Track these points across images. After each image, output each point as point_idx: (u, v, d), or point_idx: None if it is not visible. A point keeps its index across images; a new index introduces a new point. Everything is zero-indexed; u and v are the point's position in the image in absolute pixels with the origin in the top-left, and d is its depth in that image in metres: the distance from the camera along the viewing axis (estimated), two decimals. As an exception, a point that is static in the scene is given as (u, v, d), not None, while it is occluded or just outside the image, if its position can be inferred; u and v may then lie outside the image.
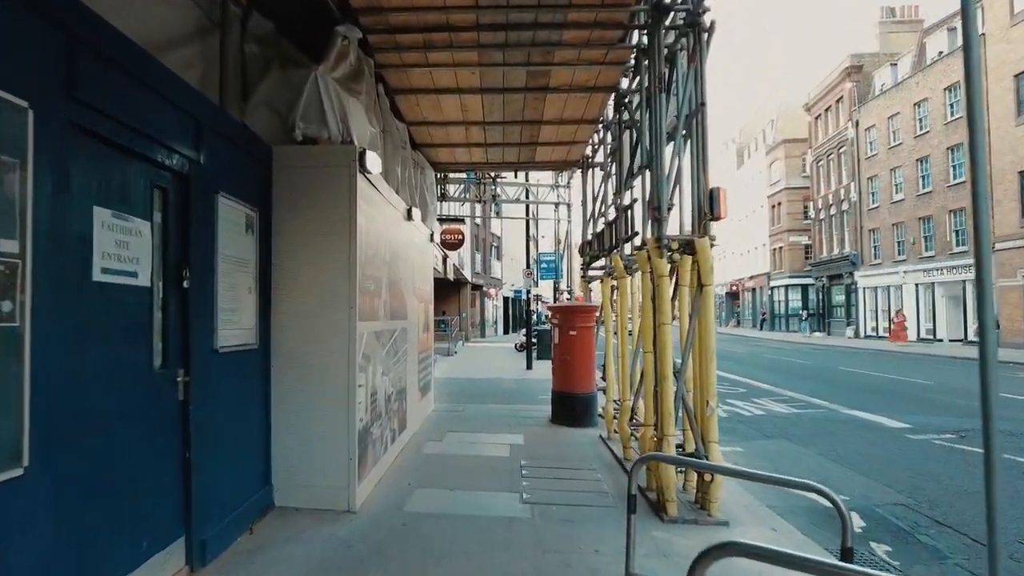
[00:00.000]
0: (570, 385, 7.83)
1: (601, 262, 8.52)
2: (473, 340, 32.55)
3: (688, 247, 4.47)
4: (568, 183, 14.32)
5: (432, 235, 9.01)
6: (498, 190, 13.95)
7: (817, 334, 36.26)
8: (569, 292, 14.26)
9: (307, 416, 4.33)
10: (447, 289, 30.96)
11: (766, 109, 49.93)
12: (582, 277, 8.88)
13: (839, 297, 36.26)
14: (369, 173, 4.64)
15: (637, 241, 5.20)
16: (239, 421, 3.89)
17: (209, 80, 3.93)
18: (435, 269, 16.63)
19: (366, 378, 4.71)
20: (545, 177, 14.58)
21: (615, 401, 7.21)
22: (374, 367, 5.00)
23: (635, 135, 6.33)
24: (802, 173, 42.11)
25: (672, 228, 4.60)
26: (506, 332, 44.67)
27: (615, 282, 7.45)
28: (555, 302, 16.55)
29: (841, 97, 34.29)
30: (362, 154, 4.42)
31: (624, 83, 6.34)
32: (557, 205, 14.49)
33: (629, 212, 5.87)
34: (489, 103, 6.75)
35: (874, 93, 32.08)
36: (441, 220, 14.60)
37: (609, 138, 7.61)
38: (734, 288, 54.73)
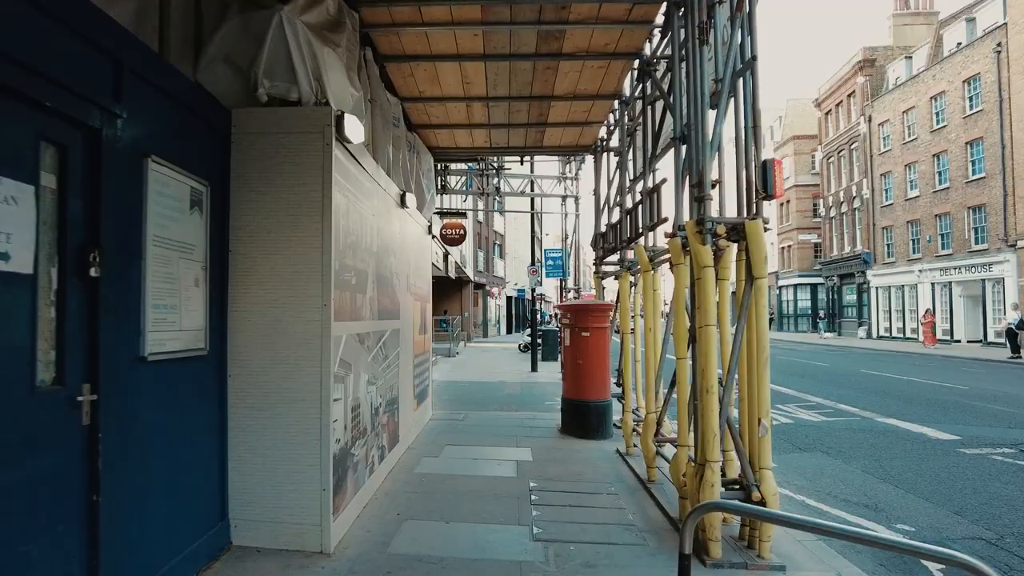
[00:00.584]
0: (583, 392, 7.04)
1: (615, 257, 7.74)
2: (475, 340, 31.78)
3: (736, 232, 3.67)
4: (576, 174, 13.52)
5: (430, 226, 8.23)
6: (501, 182, 13.15)
7: (828, 334, 35.38)
8: (577, 291, 13.45)
9: (271, 437, 3.55)
10: (448, 288, 30.20)
11: (774, 104, 49.02)
12: (595, 273, 8.09)
13: (850, 297, 35.38)
14: (349, 143, 3.85)
15: (667, 227, 4.40)
16: (181, 445, 3.10)
17: (145, 23, 3.15)
18: (435, 266, 15.84)
19: (345, 389, 3.92)
20: (551, 168, 13.80)
21: (635, 412, 6.41)
22: (357, 376, 4.21)
23: (661, 109, 5.53)
24: (811, 170, 41.23)
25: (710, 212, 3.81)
26: (509, 332, 43.89)
27: (633, 277, 6.65)
28: (562, 301, 15.78)
29: (853, 91, 33.40)
30: (339, 118, 3.64)
31: (648, 49, 5.54)
32: (564, 198, 13.68)
33: (655, 196, 5.07)
34: (494, 74, 5.95)
35: (888, 87, 31.18)
36: (441, 214, 13.82)
37: (626, 119, 6.81)
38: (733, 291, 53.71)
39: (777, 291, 44.72)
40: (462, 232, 13.48)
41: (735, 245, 3.77)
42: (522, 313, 50.66)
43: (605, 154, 8.23)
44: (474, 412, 8.82)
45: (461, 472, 5.46)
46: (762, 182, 3.63)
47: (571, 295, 13.76)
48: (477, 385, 12.43)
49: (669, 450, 5.17)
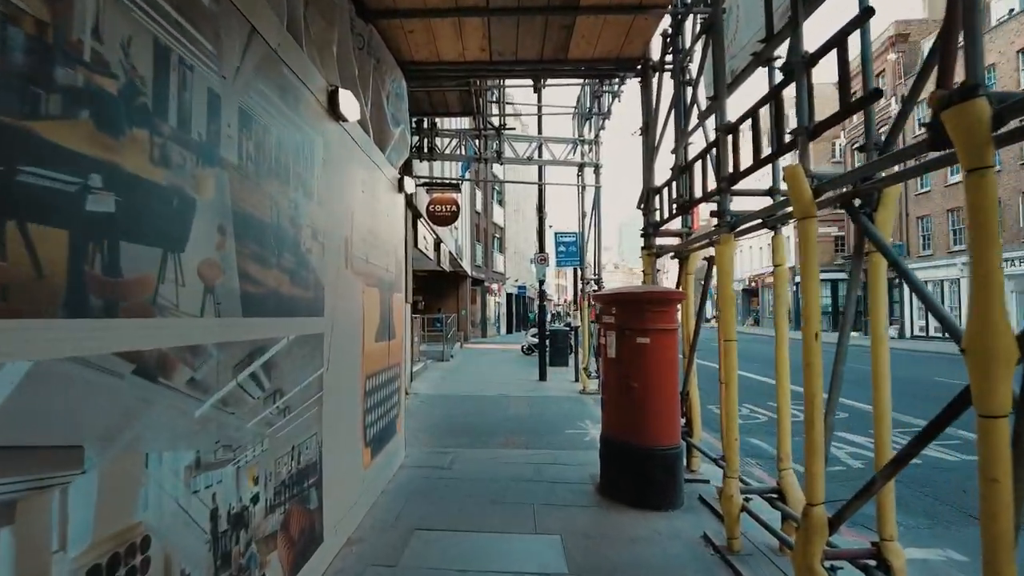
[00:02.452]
0: (640, 432, 4.38)
1: (676, 225, 5.14)
2: (473, 341, 29.13)
3: None
4: (597, 136, 10.87)
5: (401, 181, 5.57)
6: (505, 145, 10.50)
7: (852, 334, 32.74)
8: (597, 282, 10.80)
9: None
10: (443, 283, 27.55)
11: (790, 89, 46.25)
12: (646, 249, 5.46)
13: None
14: None
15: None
16: None
17: None
18: (423, 254, 13.17)
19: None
20: (562, 127, 11.17)
21: (742, 481, 3.78)
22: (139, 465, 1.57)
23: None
24: (831, 158, 38.57)
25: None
26: (509, 331, 41.24)
27: (717, 250, 4.04)
28: (578, 291, 13.13)
29: (883, 70, 30.76)
30: None
31: None
32: (581, 167, 11.03)
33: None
34: None
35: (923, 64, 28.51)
36: (428, 185, 11.17)
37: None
38: (752, 284, 51.23)
39: (793, 288, 42.07)
40: (454, 209, 10.83)
41: None
42: (523, 312, 47.98)
43: (659, 74, 5.59)
44: (466, 450, 6.16)
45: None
46: None
47: (590, 287, 11.10)
48: (473, 401, 9.78)
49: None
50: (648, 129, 5.58)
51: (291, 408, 2.71)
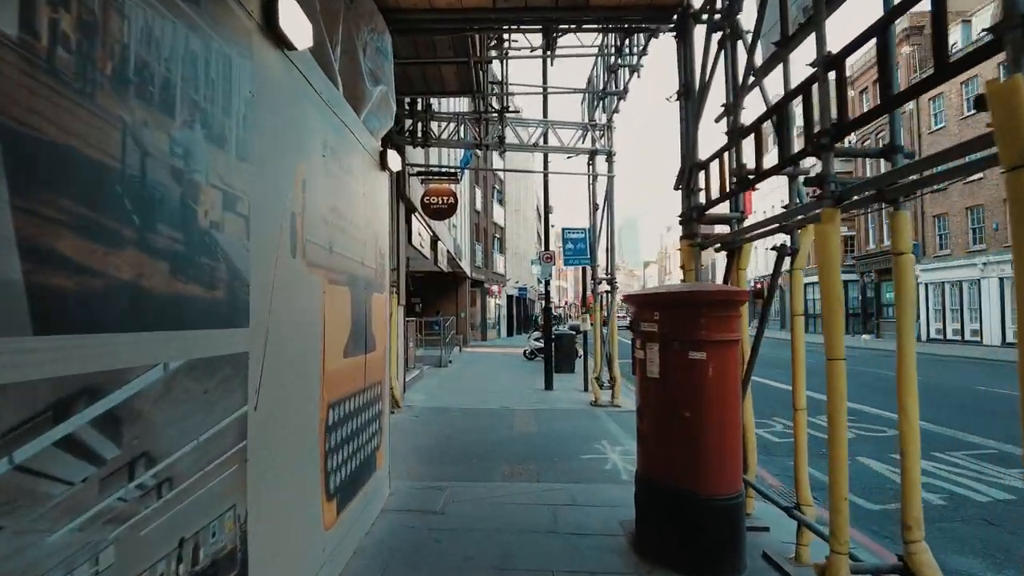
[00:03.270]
0: (693, 476, 3.32)
1: (722, 209, 4.14)
2: (472, 344, 28.07)
3: None
4: (610, 120, 9.83)
5: (384, 157, 4.52)
6: (508, 131, 9.45)
7: (865, 336, 31.76)
8: (610, 282, 9.75)
9: None
10: (442, 284, 26.51)
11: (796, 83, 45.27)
12: (687, 238, 4.42)
13: (890, 295, 31.70)
14: None
15: None
16: None
17: None
18: (419, 252, 12.12)
19: None
20: (569, 111, 10.13)
21: (852, 558, 2.72)
22: None
23: None
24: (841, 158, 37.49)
25: None
26: (510, 334, 40.16)
27: (790, 236, 3.01)
28: (587, 292, 12.06)
29: (896, 63, 29.72)
30: None
31: None
32: (592, 155, 9.98)
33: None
34: None
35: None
36: (423, 175, 10.12)
37: None
38: (758, 285, 50.18)
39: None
40: (452, 201, 9.77)
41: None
42: (524, 314, 46.91)
43: (700, 24, 4.54)
44: (465, 484, 5.10)
45: None
46: None
47: (602, 287, 10.04)
48: (472, 415, 8.73)
49: None
50: (688, 92, 4.53)
51: (175, 480, 1.66)
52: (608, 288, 9.95)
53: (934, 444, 6.87)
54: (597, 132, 9.93)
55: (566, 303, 75.75)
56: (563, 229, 11.33)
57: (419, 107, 9.05)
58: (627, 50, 7.83)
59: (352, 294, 3.63)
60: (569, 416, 8.70)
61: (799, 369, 3.53)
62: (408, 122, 9.34)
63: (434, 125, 9.60)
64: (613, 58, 8.30)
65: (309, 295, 2.83)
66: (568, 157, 9.89)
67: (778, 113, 3.11)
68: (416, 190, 10.23)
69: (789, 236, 3.63)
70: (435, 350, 17.29)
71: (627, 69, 8.07)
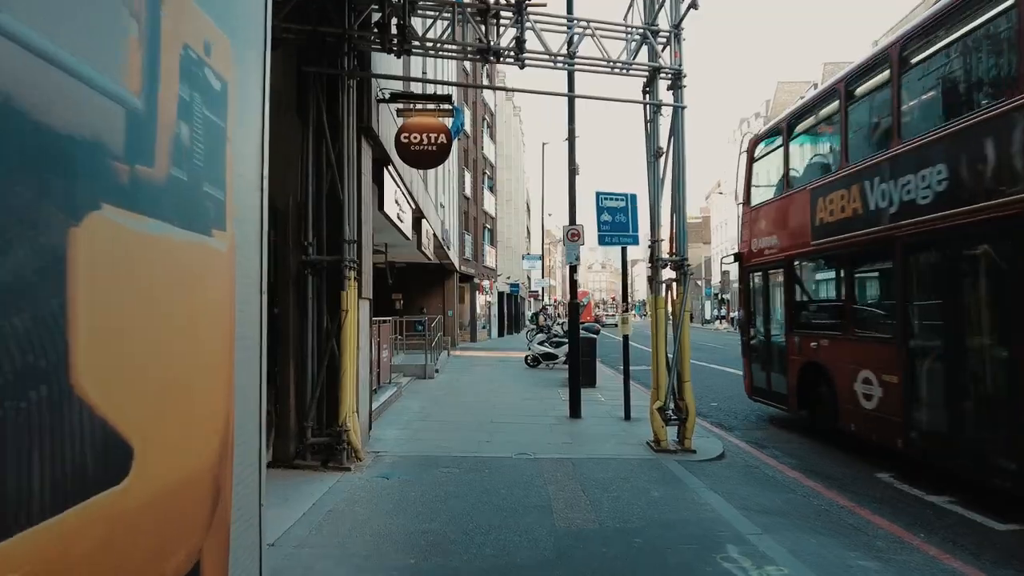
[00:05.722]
0: None
1: None
2: (462, 347, 24.71)
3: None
4: (677, 27, 6.57)
5: None
6: (527, 33, 6.16)
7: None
8: (680, 266, 6.45)
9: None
10: (428, 278, 23.12)
11: (805, 73, 42.56)
12: None
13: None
14: None
15: None
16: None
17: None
18: (394, 225, 8.74)
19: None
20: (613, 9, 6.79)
21: None
22: None
23: None
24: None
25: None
26: (501, 335, 36.82)
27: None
28: (627, 282, 8.83)
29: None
30: None
31: None
32: (653, 74, 6.70)
33: None
34: None
35: (983, 26, 24.70)
36: (399, 99, 6.68)
37: None
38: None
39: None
40: (442, 141, 6.36)
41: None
42: (516, 312, 43.62)
43: None
44: None
45: None
46: None
47: (666, 275, 6.74)
48: (475, 474, 5.40)
49: None
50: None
51: None
52: (675, 274, 6.68)
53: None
54: (659, 41, 6.65)
55: (555, 300, 72.48)
56: (597, 194, 8.05)
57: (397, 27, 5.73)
58: None
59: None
60: (631, 476, 5.42)
61: None
62: (377, 15, 6.01)
63: (417, 23, 6.26)
64: None
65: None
66: (615, 68, 6.57)
67: None
68: (387, 126, 6.85)
69: None
70: (419, 356, 13.91)
71: None
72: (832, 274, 6.98)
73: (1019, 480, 4.18)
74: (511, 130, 43.21)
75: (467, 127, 26.62)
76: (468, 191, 28.49)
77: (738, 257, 8.77)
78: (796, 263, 7.40)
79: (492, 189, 35.30)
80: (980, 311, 4.82)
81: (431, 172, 13.55)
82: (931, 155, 5.00)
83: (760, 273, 8.34)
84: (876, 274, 6.49)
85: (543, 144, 33.77)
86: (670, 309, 6.61)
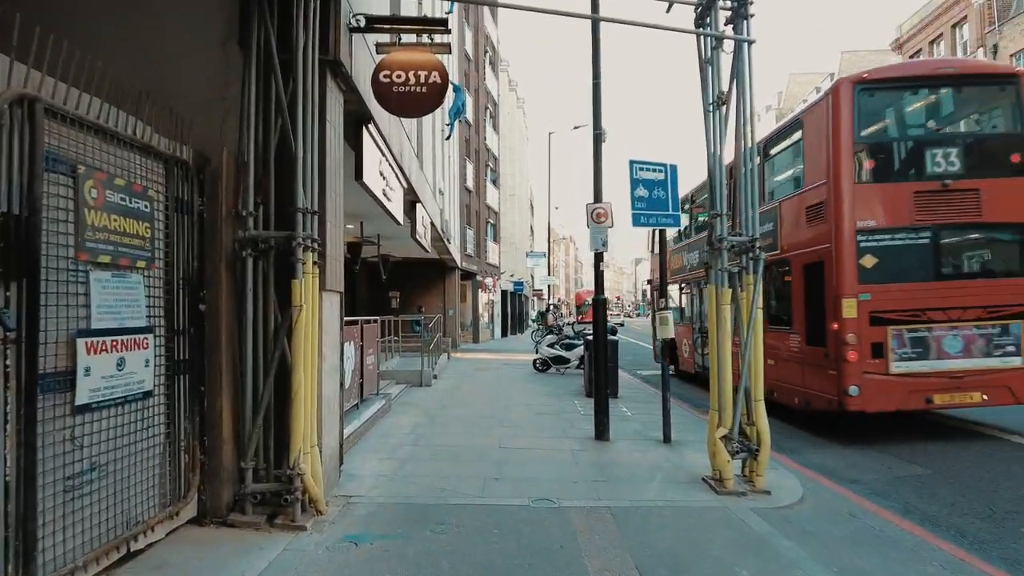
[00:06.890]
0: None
1: None
2: (463, 349, 23.12)
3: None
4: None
5: None
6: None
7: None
8: (749, 249, 4.82)
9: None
10: (426, 274, 21.56)
11: (821, 61, 40.79)
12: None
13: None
14: None
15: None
16: None
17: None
18: (381, 204, 7.12)
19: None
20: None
21: None
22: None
23: None
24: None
25: None
26: (504, 335, 35.20)
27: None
28: (665, 271, 7.12)
29: (964, 17, 25.28)
30: None
31: None
32: (710, 1, 5.10)
33: None
34: None
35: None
36: (375, 24, 5.11)
37: None
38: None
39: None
40: (436, 81, 4.78)
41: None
42: (520, 311, 41.99)
43: None
44: None
45: None
46: None
47: (725, 254, 5.13)
48: (474, 546, 3.81)
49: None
50: None
51: None
52: (743, 262, 5.07)
53: None
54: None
55: (558, 298, 70.87)
56: (631, 163, 6.46)
57: None
58: None
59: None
60: (701, 539, 3.82)
61: None
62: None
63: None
64: None
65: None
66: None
67: None
68: (366, 65, 5.26)
69: None
70: (415, 360, 12.32)
71: None
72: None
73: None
74: (514, 123, 41.58)
75: (469, 115, 25.00)
76: (470, 183, 26.90)
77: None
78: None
79: (495, 183, 33.68)
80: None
81: (428, 151, 11.93)
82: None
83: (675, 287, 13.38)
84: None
85: (549, 133, 32.12)
86: (731, 306, 5.01)
